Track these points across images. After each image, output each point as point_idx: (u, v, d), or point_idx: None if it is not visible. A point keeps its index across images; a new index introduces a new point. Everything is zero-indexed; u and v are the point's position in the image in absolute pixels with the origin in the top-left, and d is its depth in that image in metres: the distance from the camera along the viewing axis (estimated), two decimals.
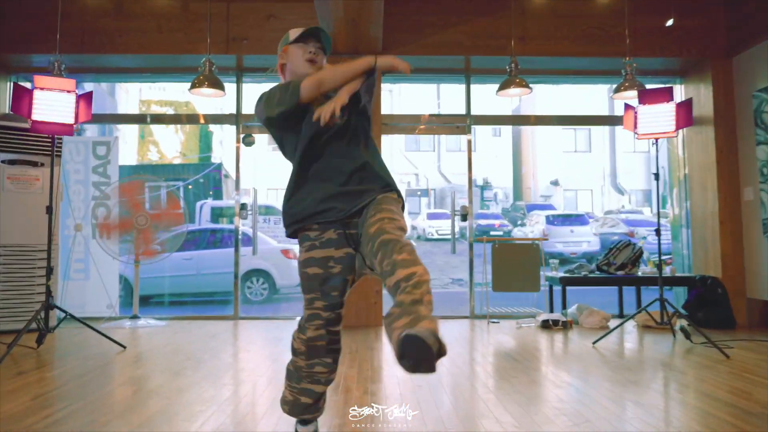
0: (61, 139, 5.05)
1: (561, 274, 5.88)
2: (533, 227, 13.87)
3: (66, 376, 3.36)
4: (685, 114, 4.29)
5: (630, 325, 5.30)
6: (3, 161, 4.91)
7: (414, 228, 16.62)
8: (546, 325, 5.17)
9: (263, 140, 18.14)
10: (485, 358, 4.03)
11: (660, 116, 4.34)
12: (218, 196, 11.67)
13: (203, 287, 8.10)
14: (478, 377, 3.49)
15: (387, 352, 4.19)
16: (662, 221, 4.61)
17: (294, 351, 2.02)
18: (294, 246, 7.62)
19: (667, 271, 5.75)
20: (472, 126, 6.08)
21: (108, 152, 5.94)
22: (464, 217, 5.89)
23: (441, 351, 1.33)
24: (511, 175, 21.60)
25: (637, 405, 2.78)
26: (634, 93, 4.86)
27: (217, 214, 10.28)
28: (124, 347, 4.17)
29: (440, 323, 1.45)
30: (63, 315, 4.19)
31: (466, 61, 5.79)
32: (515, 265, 5.63)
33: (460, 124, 6.11)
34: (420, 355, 1.31)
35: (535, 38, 5.60)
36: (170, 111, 16.80)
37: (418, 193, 21.40)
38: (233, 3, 5.56)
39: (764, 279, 5.22)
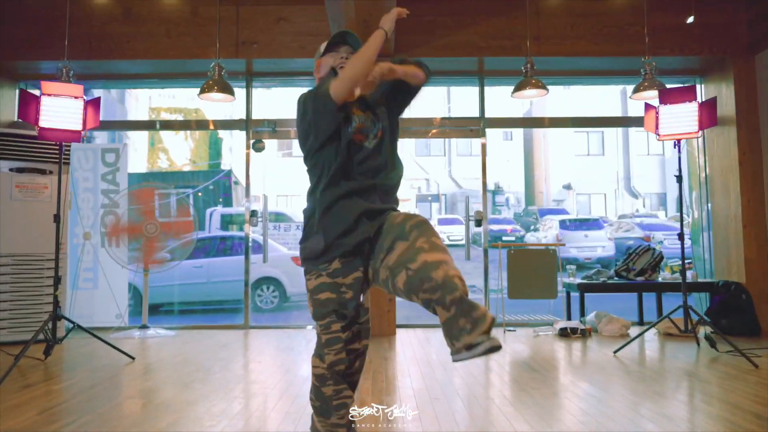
0: (69, 146, 4.99)
1: (579, 281, 5.74)
2: (546, 232, 13.68)
3: (73, 389, 3.27)
4: (709, 114, 4.15)
5: (651, 333, 5.15)
6: (11, 169, 4.85)
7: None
8: (564, 334, 5.02)
9: (273, 146, 18.15)
10: (502, 367, 3.90)
11: (682, 116, 4.20)
12: (228, 203, 11.61)
13: (213, 295, 8.02)
14: (494, 388, 3.36)
15: (401, 361, 4.07)
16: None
17: (315, 394, 1.94)
18: None
19: (688, 276, 5.58)
20: (486, 129, 5.96)
21: (117, 159, 5.87)
22: (478, 223, 5.76)
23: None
24: (523, 179, 21.40)
25: (662, 417, 2.65)
26: (653, 93, 4.72)
27: (227, 221, 10.20)
28: (133, 358, 4.08)
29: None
30: (71, 325, 4.11)
31: (479, 62, 5.67)
32: (531, 272, 5.49)
33: (474, 127, 5.99)
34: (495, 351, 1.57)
35: (550, 38, 5.48)
36: (180, 118, 16.82)
37: (429, 198, 21.25)
38: (243, 6, 5.48)
39: None
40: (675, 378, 3.53)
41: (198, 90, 5.02)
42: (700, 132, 4.30)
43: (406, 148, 20.06)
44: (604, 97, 17.51)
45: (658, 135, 4.34)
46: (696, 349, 4.36)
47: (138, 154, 14.94)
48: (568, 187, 20.09)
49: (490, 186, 5.92)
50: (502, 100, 6.24)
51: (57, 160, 4.78)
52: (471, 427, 2.56)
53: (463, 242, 6.20)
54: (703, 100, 4.65)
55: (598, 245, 12.40)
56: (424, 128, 6.10)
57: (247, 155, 5.90)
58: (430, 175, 21.22)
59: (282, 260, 8.12)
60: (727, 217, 5.62)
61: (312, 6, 5.42)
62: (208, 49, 5.37)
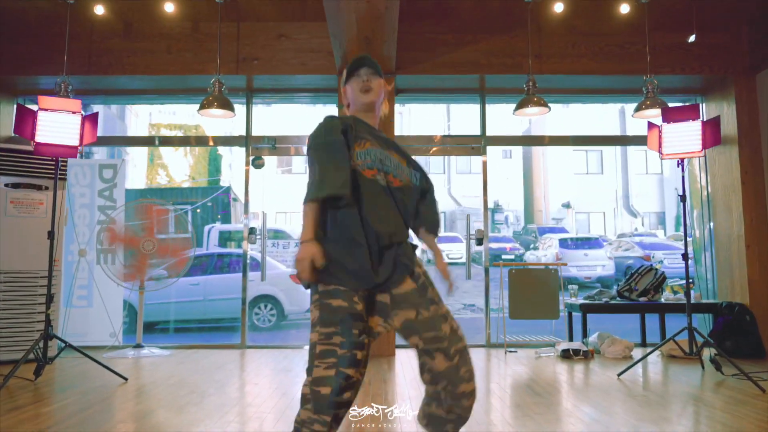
0: (65, 161, 4.93)
1: (581, 301, 5.66)
2: (546, 251, 13.59)
3: (64, 411, 3.17)
4: (712, 132, 4.11)
5: (654, 355, 5.06)
6: (6, 185, 4.79)
7: (424, 252, 16.39)
8: (566, 355, 4.93)
9: (273, 162, 18.14)
10: (504, 390, 3.81)
11: (686, 135, 4.17)
12: (227, 219, 11.55)
13: (210, 313, 7.91)
14: (496, 411, 3.27)
15: (401, 384, 3.98)
16: (682, 244, 4.39)
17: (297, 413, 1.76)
18: None
19: (691, 297, 5.51)
20: (486, 147, 5.92)
21: (114, 175, 5.82)
22: (479, 241, 5.69)
23: None
24: (522, 197, 21.37)
25: None
26: (656, 111, 4.69)
27: (225, 238, 10.13)
28: (126, 379, 3.98)
29: None
30: (63, 345, 4.02)
31: (481, 79, 5.65)
32: (533, 291, 5.41)
33: (475, 144, 5.96)
34: None
35: (552, 56, 5.47)
36: (180, 134, 16.83)
37: None
38: (243, 22, 5.47)
39: None
40: (680, 402, 3.44)
41: (198, 106, 4.98)
42: (703, 151, 4.27)
43: None
44: (603, 116, 17.55)
45: (662, 154, 4.30)
46: (701, 372, 4.28)
47: (137, 170, 14.91)
48: (567, 205, 20.05)
49: (490, 204, 5.87)
50: (501, 117, 6.22)
51: (53, 176, 4.72)
52: None
53: (463, 260, 6.14)
54: (705, 119, 4.61)
55: (598, 264, 12.31)
56: (424, 146, 6.07)
57: (247, 172, 5.85)
58: None
59: (280, 278, 8.03)
60: (729, 237, 5.56)
61: (313, 23, 5.42)
62: (209, 65, 5.34)
